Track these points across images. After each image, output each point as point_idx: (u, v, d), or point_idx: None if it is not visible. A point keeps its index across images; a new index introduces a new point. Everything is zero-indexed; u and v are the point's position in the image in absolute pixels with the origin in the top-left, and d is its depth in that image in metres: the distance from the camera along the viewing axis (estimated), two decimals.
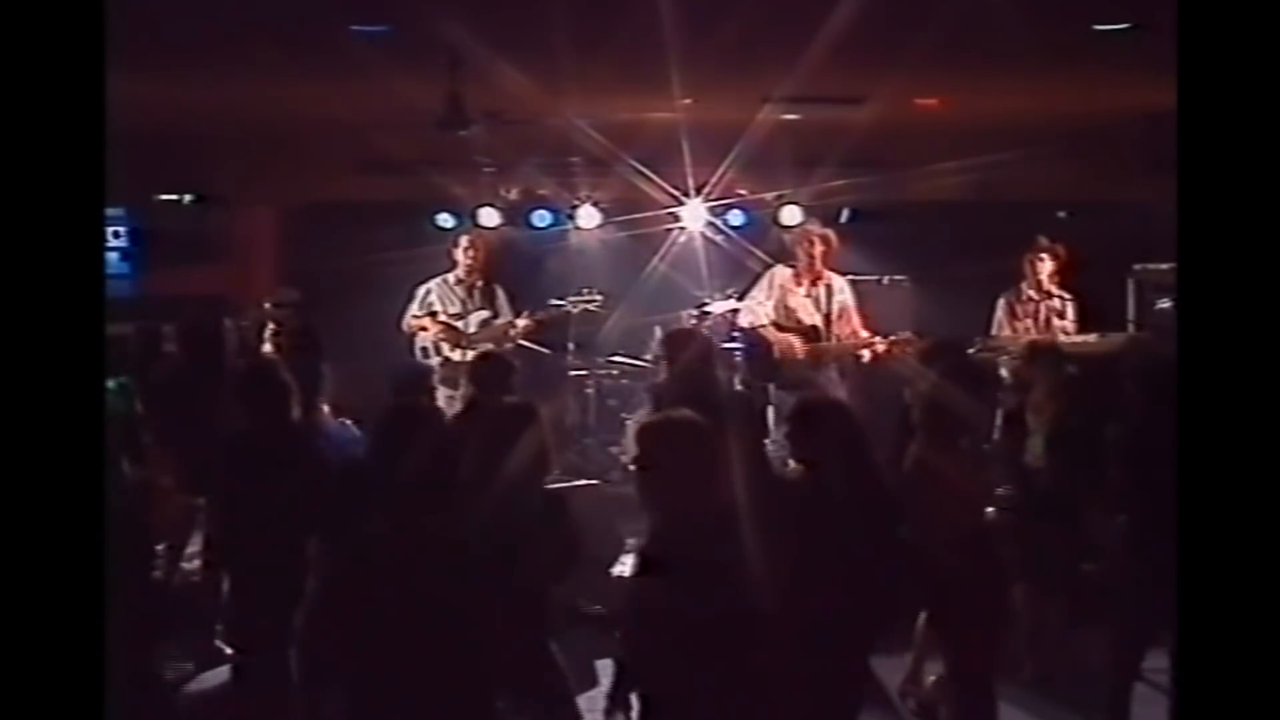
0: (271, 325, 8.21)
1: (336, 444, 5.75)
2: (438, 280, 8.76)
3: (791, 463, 4.66)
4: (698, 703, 3.52)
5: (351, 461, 4.89)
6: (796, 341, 8.12)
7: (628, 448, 8.85)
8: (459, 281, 8.74)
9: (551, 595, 4.58)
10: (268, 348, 8.30)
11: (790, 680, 3.60)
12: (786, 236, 8.72)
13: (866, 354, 8.11)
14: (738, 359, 8.46)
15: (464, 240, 8.82)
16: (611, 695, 3.90)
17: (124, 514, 4.31)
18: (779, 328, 8.17)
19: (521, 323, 8.64)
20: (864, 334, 8.17)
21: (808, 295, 8.21)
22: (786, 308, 8.22)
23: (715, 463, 3.70)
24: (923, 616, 5.30)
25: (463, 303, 8.71)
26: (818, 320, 8.18)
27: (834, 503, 4.19)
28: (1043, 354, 6.51)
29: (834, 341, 8.17)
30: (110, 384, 4.62)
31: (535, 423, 4.50)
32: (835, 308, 8.19)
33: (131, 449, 4.87)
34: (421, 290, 8.74)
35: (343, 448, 5.61)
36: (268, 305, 8.38)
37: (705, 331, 7.85)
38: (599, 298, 9.00)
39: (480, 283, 8.77)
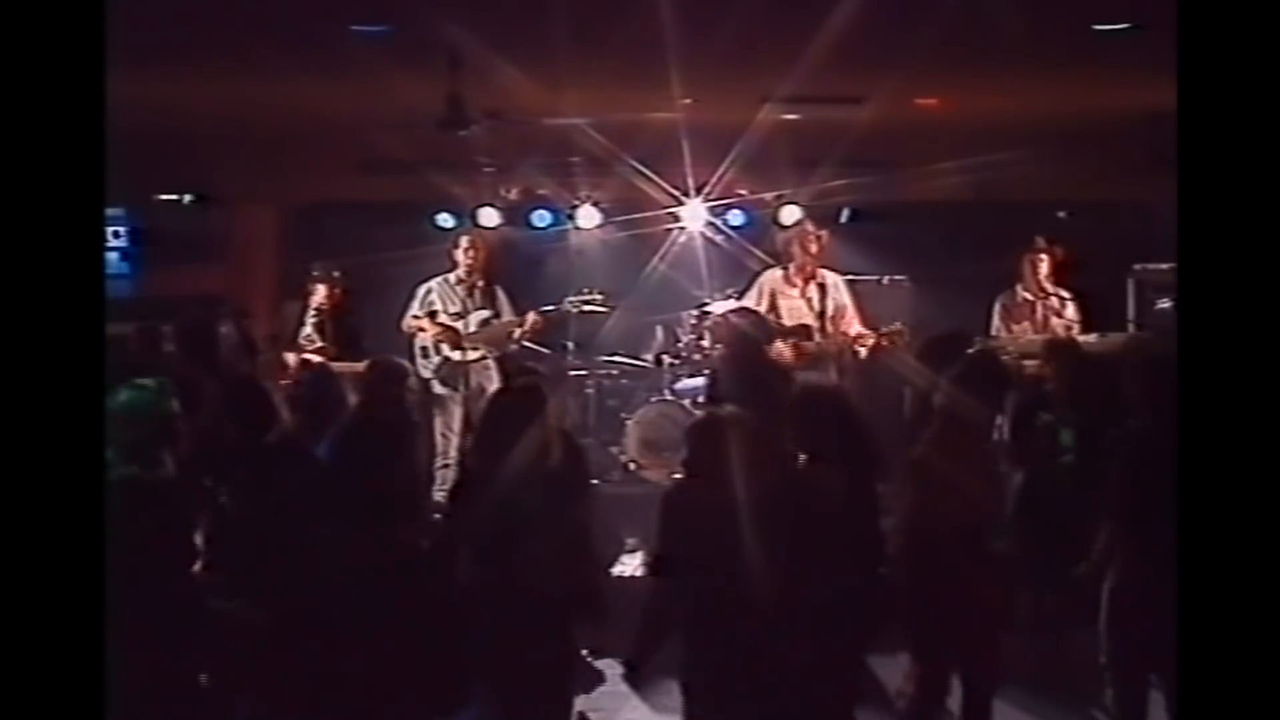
0: (318, 298, 8.25)
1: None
2: (439, 280, 8.71)
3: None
4: (740, 694, 3.57)
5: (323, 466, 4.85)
6: (787, 344, 8.05)
7: (628, 447, 8.89)
8: (460, 281, 8.70)
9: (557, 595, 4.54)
10: (309, 331, 8.32)
11: (791, 673, 3.64)
12: (781, 236, 8.67)
13: (862, 350, 8.05)
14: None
15: (464, 240, 8.79)
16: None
17: (150, 514, 4.33)
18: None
19: (530, 319, 8.62)
20: (856, 330, 8.11)
21: (801, 296, 8.14)
22: (777, 311, 8.14)
23: (759, 459, 3.74)
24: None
25: (463, 303, 8.67)
26: (810, 320, 8.12)
27: (836, 493, 4.16)
28: (1062, 351, 6.49)
29: (829, 340, 8.11)
30: (150, 383, 4.63)
31: (539, 408, 4.46)
32: (831, 306, 8.13)
33: (173, 448, 4.84)
34: (422, 290, 8.69)
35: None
36: (316, 273, 8.40)
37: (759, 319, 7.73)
38: (600, 297, 8.94)
39: (481, 283, 8.73)
